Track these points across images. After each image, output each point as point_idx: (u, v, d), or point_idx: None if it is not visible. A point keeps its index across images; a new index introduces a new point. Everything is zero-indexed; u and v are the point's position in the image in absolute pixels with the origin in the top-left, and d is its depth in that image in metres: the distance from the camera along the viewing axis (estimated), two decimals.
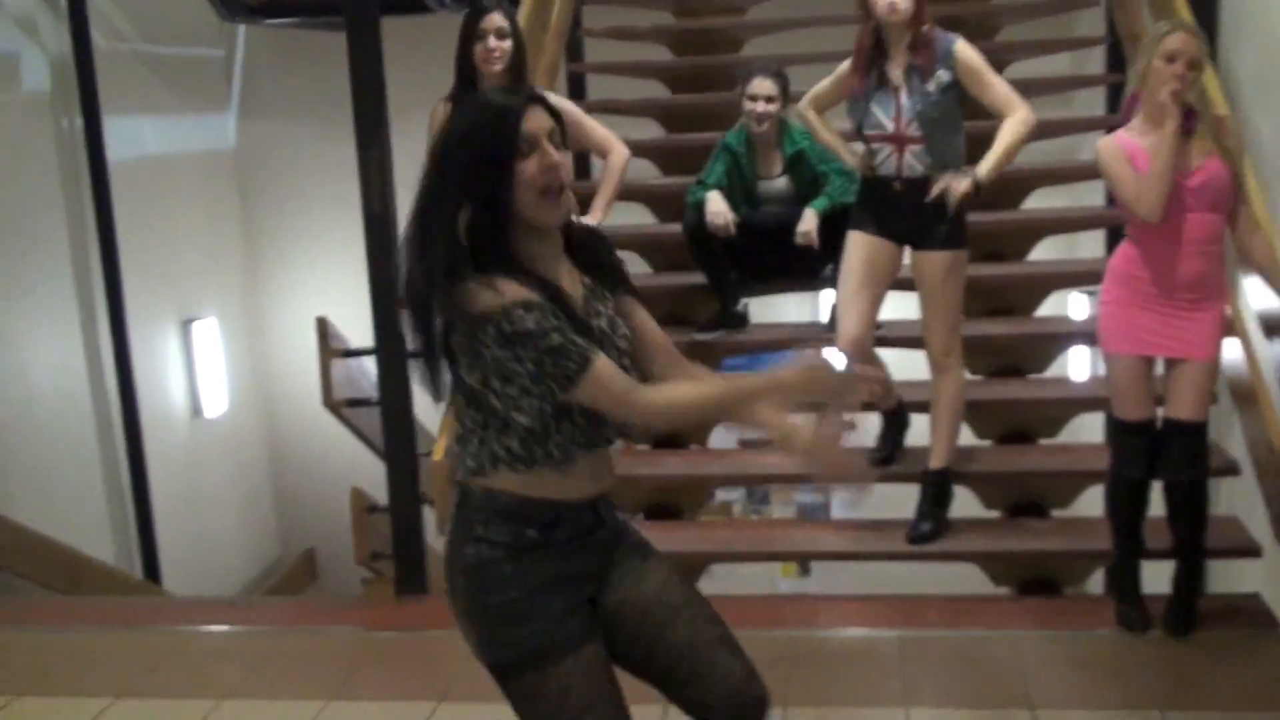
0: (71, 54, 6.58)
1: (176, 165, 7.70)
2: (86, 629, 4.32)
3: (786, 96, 4.87)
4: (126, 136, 7.03)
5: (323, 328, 4.77)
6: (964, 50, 3.97)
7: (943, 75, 3.96)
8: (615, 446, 2.18)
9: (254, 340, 8.40)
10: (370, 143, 4.18)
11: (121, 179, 6.84)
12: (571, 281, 2.08)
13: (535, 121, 1.96)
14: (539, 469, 2.04)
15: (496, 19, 3.96)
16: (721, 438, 7.32)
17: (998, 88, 3.97)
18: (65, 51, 6.58)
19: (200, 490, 7.75)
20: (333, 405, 4.78)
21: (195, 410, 7.78)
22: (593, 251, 2.13)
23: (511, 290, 1.91)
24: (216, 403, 7.88)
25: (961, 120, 4.08)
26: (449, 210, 1.93)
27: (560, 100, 4.26)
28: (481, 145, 1.93)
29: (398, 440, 4.35)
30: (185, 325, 7.65)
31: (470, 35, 3.96)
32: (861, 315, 4.18)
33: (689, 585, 2.24)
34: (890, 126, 4.01)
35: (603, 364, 1.96)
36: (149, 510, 7.03)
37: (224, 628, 4.32)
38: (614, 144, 4.31)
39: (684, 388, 2.10)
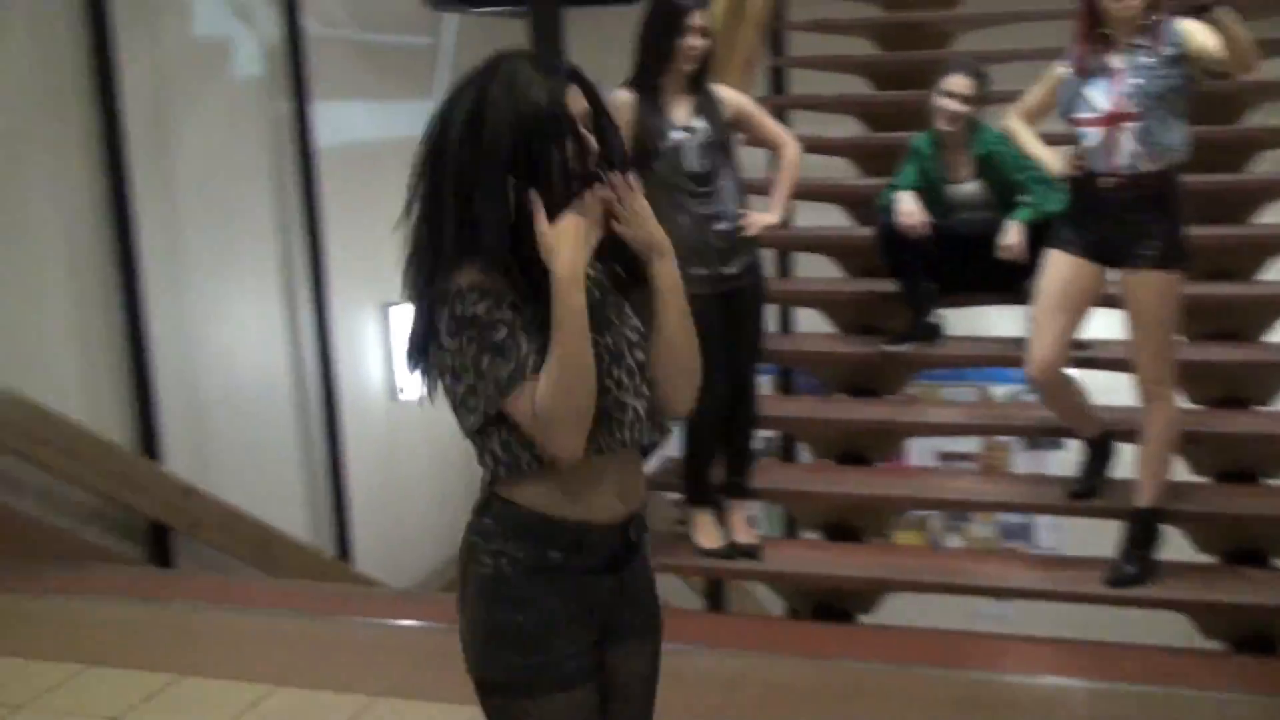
0: (283, 39, 6.74)
1: (382, 151, 7.80)
2: (257, 612, 4.37)
3: (984, 98, 4.58)
4: (334, 122, 7.16)
5: None
6: (1190, 24, 3.60)
7: (1168, 50, 3.61)
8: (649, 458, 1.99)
9: None
10: None
11: (328, 164, 6.98)
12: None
13: (576, 103, 1.81)
14: (537, 477, 1.86)
15: (699, 17, 3.91)
16: (919, 454, 7.03)
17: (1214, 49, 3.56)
18: (278, 37, 6.74)
19: (395, 473, 7.88)
20: None
21: (392, 393, 7.91)
22: (615, 241, 1.89)
23: (471, 275, 1.77)
24: (413, 387, 7.97)
25: (1185, 108, 3.71)
26: (496, 188, 1.79)
27: (732, 93, 4.12)
28: (528, 125, 1.77)
29: None
30: (384, 309, 7.77)
31: (672, 29, 3.87)
32: (1055, 339, 3.91)
33: (652, 679, 2.07)
34: (1105, 105, 3.68)
35: (533, 387, 1.77)
36: (343, 490, 7.18)
37: (392, 621, 4.30)
38: (786, 139, 4.20)
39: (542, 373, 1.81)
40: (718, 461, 4.22)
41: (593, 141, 1.81)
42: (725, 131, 3.99)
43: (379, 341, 7.78)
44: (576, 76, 1.84)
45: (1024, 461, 7.70)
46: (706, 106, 3.97)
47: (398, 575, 7.28)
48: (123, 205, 5.78)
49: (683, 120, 3.94)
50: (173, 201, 6.22)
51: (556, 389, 1.76)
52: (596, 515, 1.89)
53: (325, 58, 6.95)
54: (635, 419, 1.89)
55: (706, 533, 4.21)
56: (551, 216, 1.78)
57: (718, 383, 4.06)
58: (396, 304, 7.81)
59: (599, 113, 1.84)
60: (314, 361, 7.05)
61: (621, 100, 3.91)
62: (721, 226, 3.94)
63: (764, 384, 5.14)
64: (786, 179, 4.14)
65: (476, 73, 1.85)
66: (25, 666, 4.16)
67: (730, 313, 3.96)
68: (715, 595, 5.46)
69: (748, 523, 4.28)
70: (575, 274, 1.76)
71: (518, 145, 1.78)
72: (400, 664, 3.96)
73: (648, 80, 3.93)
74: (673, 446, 4.58)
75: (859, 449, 4.75)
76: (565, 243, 1.76)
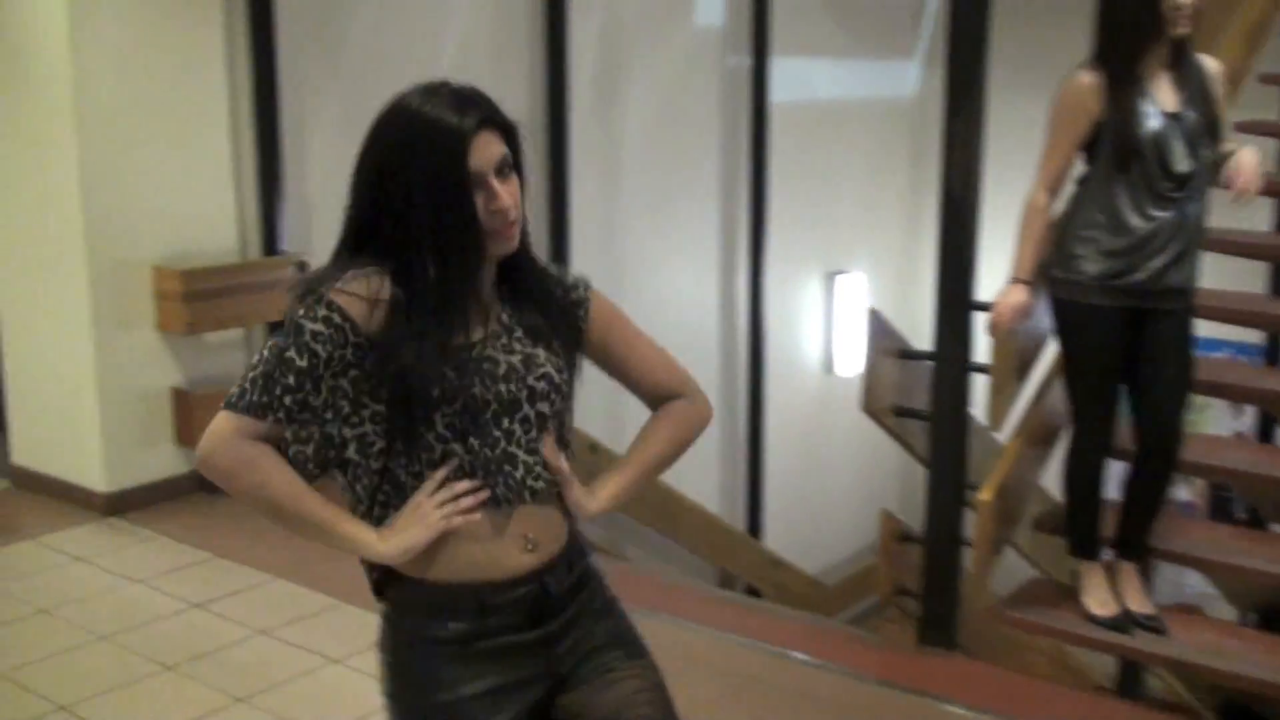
0: None
1: (843, 111, 7.37)
2: None
3: None
4: (793, 78, 6.81)
5: (875, 322, 4.17)
6: None
7: None
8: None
9: (904, 302, 7.93)
10: (959, 110, 3.48)
11: (782, 121, 6.65)
12: (478, 314, 1.70)
13: (481, 154, 1.62)
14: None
15: None
16: None
17: None
18: None
19: (819, 449, 7.50)
20: (874, 410, 4.18)
21: (827, 366, 7.52)
22: (542, 294, 1.76)
23: (349, 297, 1.62)
24: (852, 361, 7.54)
25: None
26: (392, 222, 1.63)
27: (1218, 65, 3.29)
28: (427, 174, 1.61)
29: (944, 465, 3.68)
30: (829, 278, 7.37)
31: None
32: None
33: (665, 707, 1.82)
34: None
35: (226, 417, 1.64)
36: (761, 463, 6.91)
37: (718, 633, 3.90)
38: None
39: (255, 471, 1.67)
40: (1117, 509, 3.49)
41: (503, 196, 1.63)
42: (1214, 114, 3.21)
43: (819, 312, 7.40)
44: (487, 121, 1.64)
45: None
46: (1192, 83, 3.21)
47: (808, 557, 6.92)
48: (559, 157, 5.77)
49: (1169, 105, 3.19)
50: (613, 154, 6.15)
51: (249, 494, 1.67)
52: (494, 570, 1.71)
53: (789, 12, 6.58)
54: (527, 472, 1.71)
55: (1096, 595, 3.50)
56: (458, 270, 1.64)
57: (1101, 417, 3.35)
58: (843, 273, 7.39)
59: (515, 153, 1.68)
60: (745, 327, 6.78)
61: (1084, 85, 3.20)
62: (1179, 234, 3.19)
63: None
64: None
65: (375, 123, 1.69)
66: None
67: (1152, 334, 3.23)
68: (1127, 678, 4.50)
69: (1143, 587, 3.52)
70: (392, 554, 1.67)
71: (417, 183, 1.61)
72: (713, 688, 3.59)
73: (1122, 55, 3.18)
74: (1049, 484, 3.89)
75: None
76: (410, 528, 1.66)
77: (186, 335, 4.63)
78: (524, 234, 1.71)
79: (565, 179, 5.77)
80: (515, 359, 1.71)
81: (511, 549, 1.71)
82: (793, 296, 7.18)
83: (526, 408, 1.71)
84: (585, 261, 5.82)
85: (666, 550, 6.12)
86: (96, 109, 4.38)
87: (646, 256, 6.25)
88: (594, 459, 4.98)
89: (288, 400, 1.63)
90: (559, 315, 1.78)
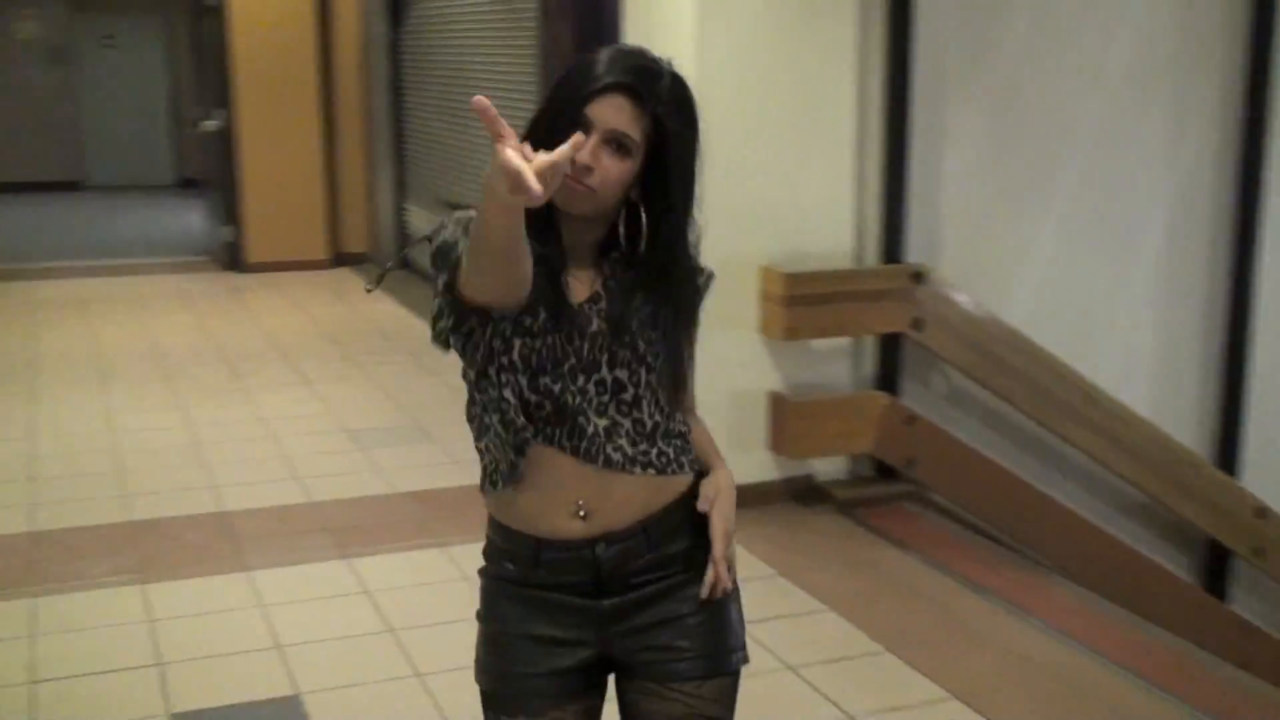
0: None
1: None
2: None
3: None
4: None
5: None
6: None
7: None
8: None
9: None
10: None
11: None
12: (582, 276, 1.74)
13: (604, 111, 1.66)
14: (505, 485, 1.76)
15: None
16: None
17: None
18: None
19: None
20: None
21: None
22: (669, 280, 1.75)
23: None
24: None
25: None
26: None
27: None
28: (554, 98, 1.70)
29: None
30: None
31: None
32: None
33: None
34: None
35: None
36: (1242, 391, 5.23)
37: None
38: None
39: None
40: None
41: (587, 156, 1.63)
42: None
43: None
44: (626, 87, 1.66)
45: None
46: None
47: None
48: (1252, 171, 4.88)
49: None
50: None
51: (472, 240, 1.60)
52: (543, 526, 1.76)
53: None
54: (596, 435, 1.73)
55: None
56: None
57: None
58: None
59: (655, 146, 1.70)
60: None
61: None
62: None
63: None
64: None
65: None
66: None
67: None
68: None
69: None
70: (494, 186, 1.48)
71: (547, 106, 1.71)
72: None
73: None
74: None
75: None
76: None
77: (788, 340, 4.50)
78: (666, 226, 1.72)
79: (1255, 204, 4.87)
80: (607, 327, 1.73)
81: (561, 511, 1.74)
82: None
83: (605, 373, 1.72)
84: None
85: None
86: (716, 102, 4.36)
87: None
88: None
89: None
90: (675, 300, 1.77)
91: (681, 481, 1.80)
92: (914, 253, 4.61)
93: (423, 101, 9.06)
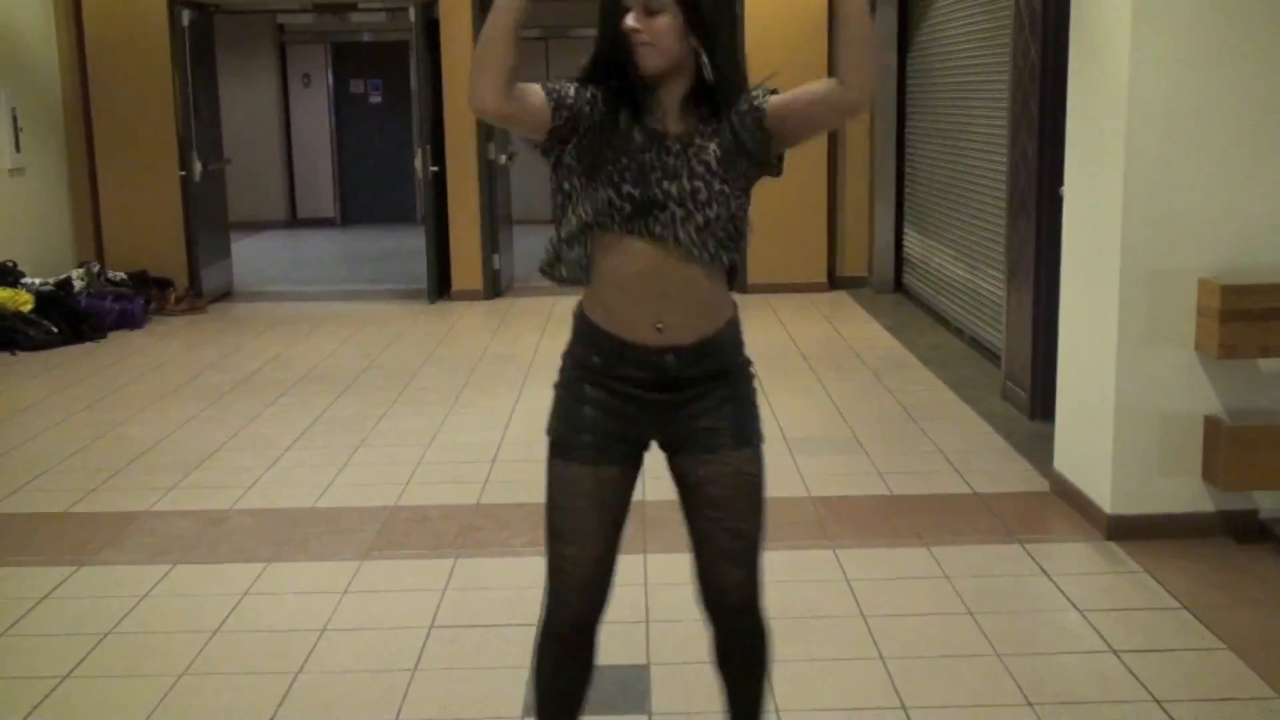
0: None
1: None
2: None
3: None
4: None
5: None
6: None
7: None
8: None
9: None
10: None
11: None
12: (674, 116, 2.31)
13: None
14: (594, 291, 2.34)
15: None
16: None
17: None
18: None
19: None
20: None
21: None
22: (723, 116, 2.30)
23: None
24: None
25: None
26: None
27: None
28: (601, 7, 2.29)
29: None
30: None
31: None
32: None
33: (745, 493, 2.37)
34: None
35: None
36: None
37: None
38: None
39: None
40: None
41: (631, 20, 2.23)
42: None
43: None
44: None
45: None
46: None
47: None
48: None
49: None
50: None
51: (480, 40, 2.19)
52: (633, 336, 2.29)
53: None
54: (670, 219, 2.25)
55: None
56: (602, 54, 2.31)
57: None
58: None
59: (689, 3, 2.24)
60: None
61: None
62: None
63: None
64: None
65: None
66: None
67: None
68: None
69: None
70: None
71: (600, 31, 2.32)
72: None
73: None
74: None
75: None
76: None
77: (1225, 359, 4.12)
78: (710, 64, 2.25)
79: None
80: (691, 150, 2.28)
81: (643, 323, 2.28)
82: None
83: (685, 181, 2.26)
84: None
85: None
86: (1150, 108, 4.09)
87: None
88: None
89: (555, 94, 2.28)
90: (740, 130, 2.28)
91: (726, 311, 2.38)
92: None
93: (921, 126, 9.10)
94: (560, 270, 2.33)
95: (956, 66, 8.14)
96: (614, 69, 2.26)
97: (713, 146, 2.28)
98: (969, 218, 7.79)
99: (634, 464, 2.40)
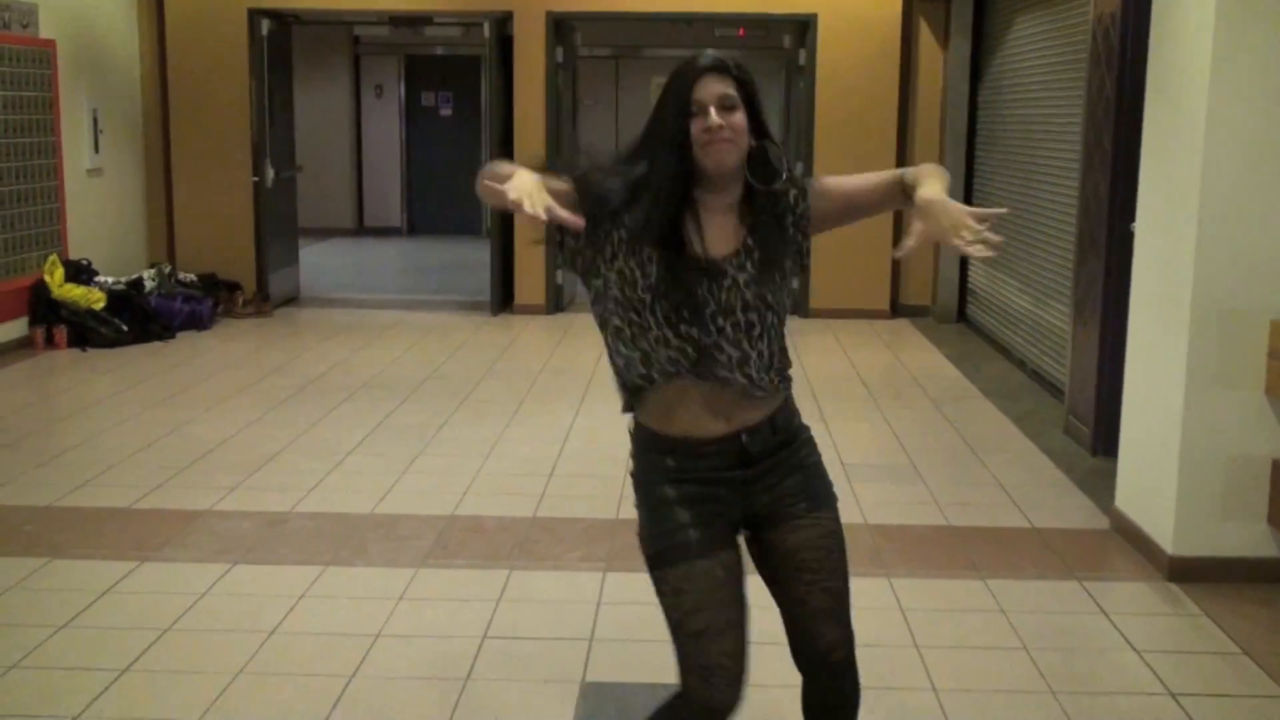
0: None
1: None
2: None
3: None
4: None
5: None
6: None
7: None
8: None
9: None
10: None
11: None
12: (723, 233, 2.30)
13: (707, 88, 2.24)
14: (646, 404, 2.35)
15: None
16: None
17: None
18: None
19: None
20: None
21: None
22: (768, 205, 2.32)
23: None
24: None
25: None
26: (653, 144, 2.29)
27: None
28: (668, 95, 2.28)
29: None
30: None
31: None
32: None
33: (834, 551, 2.38)
34: None
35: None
36: None
37: None
38: None
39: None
40: None
41: (714, 117, 2.21)
42: None
43: None
44: (715, 68, 2.25)
45: None
46: None
47: None
48: None
49: None
50: None
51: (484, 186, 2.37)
52: (697, 432, 2.32)
53: None
54: (729, 361, 2.28)
55: None
56: (660, 157, 2.27)
57: None
58: None
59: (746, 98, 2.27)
60: None
61: None
62: None
63: None
64: None
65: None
66: None
67: None
68: None
69: None
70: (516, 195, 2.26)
71: (662, 113, 2.29)
72: None
73: None
74: None
75: None
76: (522, 186, 2.28)
77: None
78: (759, 164, 2.27)
79: None
80: (743, 276, 2.28)
81: (709, 418, 2.31)
82: None
83: (739, 315, 2.27)
84: None
85: None
86: (1227, 148, 4.05)
87: None
88: None
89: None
90: (787, 229, 2.34)
91: (782, 388, 2.38)
92: None
93: (990, 157, 9.05)
94: (638, 416, 2.37)
95: (1029, 99, 8.09)
96: (667, 177, 2.23)
97: (749, 264, 2.28)
98: (1036, 250, 7.73)
99: (738, 547, 2.38)
